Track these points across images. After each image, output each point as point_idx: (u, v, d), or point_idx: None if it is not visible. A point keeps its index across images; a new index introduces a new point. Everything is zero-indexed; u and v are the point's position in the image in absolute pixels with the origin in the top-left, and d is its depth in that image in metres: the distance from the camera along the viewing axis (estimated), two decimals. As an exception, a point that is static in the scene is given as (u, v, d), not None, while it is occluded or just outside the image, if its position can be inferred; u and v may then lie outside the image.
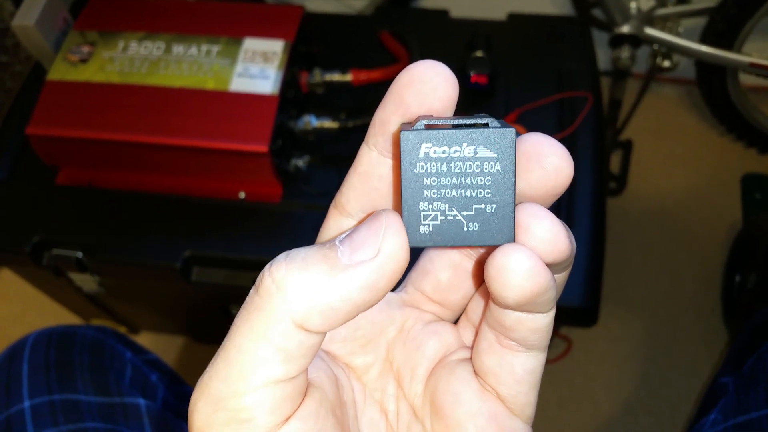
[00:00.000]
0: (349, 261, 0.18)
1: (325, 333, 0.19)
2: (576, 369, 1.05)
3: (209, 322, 0.98)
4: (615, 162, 1.22)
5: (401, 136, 0.19)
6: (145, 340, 1.09)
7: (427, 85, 0.19)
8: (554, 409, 1.02)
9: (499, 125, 0.19)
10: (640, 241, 1.16)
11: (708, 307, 1.09)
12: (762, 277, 0.98)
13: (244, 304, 0.19)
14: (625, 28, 1.01)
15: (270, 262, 0.19)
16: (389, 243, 0.18)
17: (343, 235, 0.19)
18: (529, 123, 0.78)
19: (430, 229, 0.20)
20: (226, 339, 0.19)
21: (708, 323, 1.08)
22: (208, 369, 0.19)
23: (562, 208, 0.73)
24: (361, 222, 0.19)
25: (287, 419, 0.19)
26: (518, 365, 0.21)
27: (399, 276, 0.18)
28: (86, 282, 0.81)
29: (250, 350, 0.18)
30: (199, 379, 0.19)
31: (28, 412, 0.47)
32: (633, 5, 1.01)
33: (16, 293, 1.14)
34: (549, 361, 1.02)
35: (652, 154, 1.24)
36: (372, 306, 0.19)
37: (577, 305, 0.70)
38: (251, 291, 0.19)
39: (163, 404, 0.54)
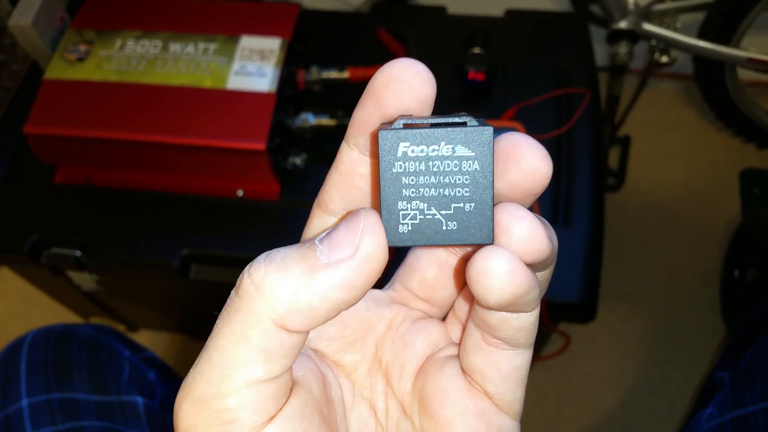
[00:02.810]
0: (327, 260, 0.18)
1: (307, 332, 0.19)
2: (574, 365, 1.05)
3: (207, 320, 0.98)
4: (613, 158, 1.21)
5: (379, 135, 0.19)
6: (143, 338, 1.10)
7: (402, 85, 0.19)
8: (553, 404, 1.02)
9: (477, 124, 0.19)
10: (639, 237, 1.16)
11: (707, 303, 1.09)
12: (761, 273, 0.98)
13: (225, 306, 0.19)
14: (623, 24, 1.01)
15: (250, 263, 0.19)
16: (367, 242, 0.18)
17: (323, 234, 0.19)
18: (527, 119, 0.78)
19: (409, 228, 0.20)
20: (208, 340, 0.19)
21: (707, 318, 1.08)
22: (191, 370, 0.19)
23: (561, 204, 0.73)
24: (341, 220, 0.19)
25: (271, 419, 0.19)
26: (504, 363, 0.21)
27: (378, 275, 0.18)
28: (85, 280, 0.82)
29: (231, 351, 0.18)
30: (184, 380, 0.20)
31: (26, 411, 0.47)
32: (631, 1, 1.01)
33: (15, 292, 1.15)
34: (547, 357, 1.03)
35: (651, 150, 1.24)
36: (352, 305, 0.19)
37: (576, 301, 0.70)
38: (232, 292, 0.19)
39: (161, 402, 0.54)
